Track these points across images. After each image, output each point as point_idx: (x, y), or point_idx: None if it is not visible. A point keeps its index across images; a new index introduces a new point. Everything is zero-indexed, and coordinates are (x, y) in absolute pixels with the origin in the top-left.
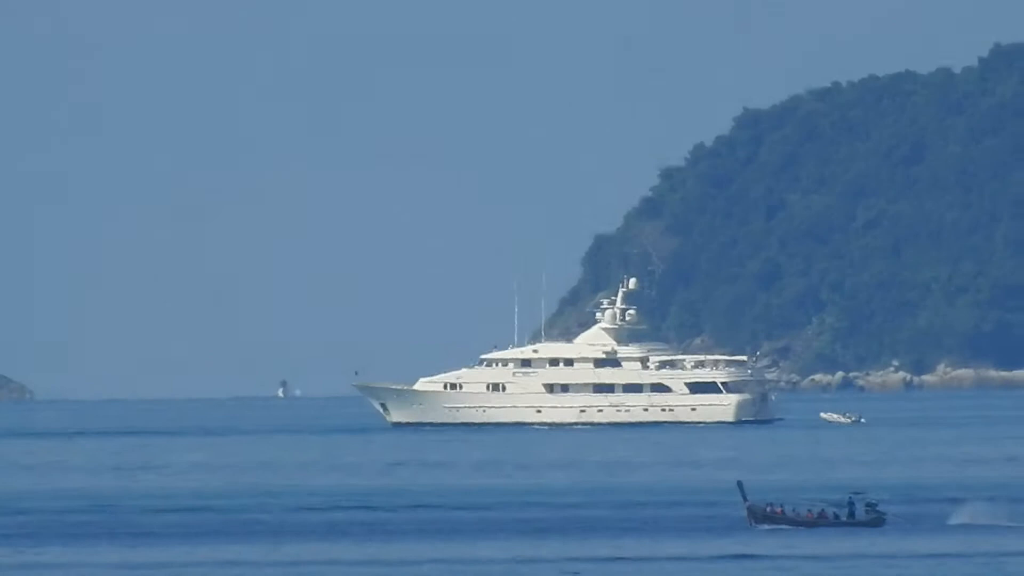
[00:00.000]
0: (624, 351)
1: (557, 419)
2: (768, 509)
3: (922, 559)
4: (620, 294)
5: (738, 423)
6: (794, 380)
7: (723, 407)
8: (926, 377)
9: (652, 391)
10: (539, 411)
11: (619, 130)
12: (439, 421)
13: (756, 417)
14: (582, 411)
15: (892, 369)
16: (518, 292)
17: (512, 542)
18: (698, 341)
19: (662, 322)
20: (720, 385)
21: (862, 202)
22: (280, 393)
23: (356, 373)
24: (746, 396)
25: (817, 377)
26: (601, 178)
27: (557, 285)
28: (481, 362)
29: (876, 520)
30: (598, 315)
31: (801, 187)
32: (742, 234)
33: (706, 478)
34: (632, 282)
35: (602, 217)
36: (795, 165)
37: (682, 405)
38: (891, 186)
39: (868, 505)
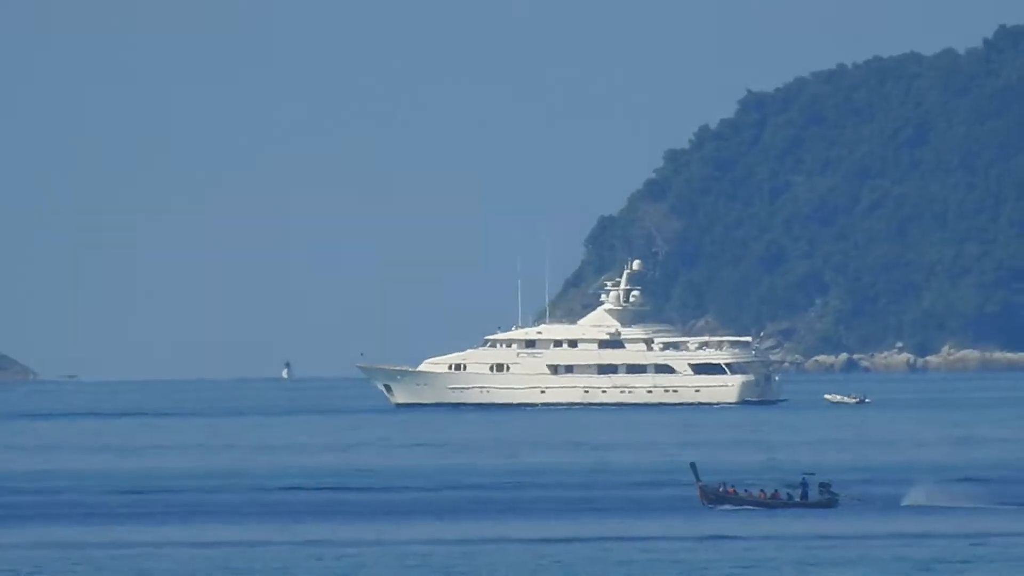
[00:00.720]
0: (628, 332)
1: (561, 400)
2: (721, 490)
3: (873, 540)
4: (624, 275)
5: (742, 404)
6: (798, 361)
7: (727, 388)
8: (930, 359)
9: (656, 372)
10: (543, 392)
11: (624, 112)
12: (443, 402)
13: (760, 398)
14: (586, 392)
15: (896, 351)
16: (522, 273)
17: (476, 522)
18: (702, 322)
19: (666, 303)
20: (724, 366)
21: (867, 184)
22: (284, 374)
23: (361, 355)
24: (750, 377)
25: (821, 358)
26: (605, 160)
27: (561, 266)
28: (485, 343)
29: (829, 501)
30: (602, 296)
31: (805, 169)
32: (746, 216)
33: (670, 458)
34: (636, 264)
35: (606, 199)
36: (800, 147)
37: (686, 386)
38: (896, 168)
39: (821, 486)
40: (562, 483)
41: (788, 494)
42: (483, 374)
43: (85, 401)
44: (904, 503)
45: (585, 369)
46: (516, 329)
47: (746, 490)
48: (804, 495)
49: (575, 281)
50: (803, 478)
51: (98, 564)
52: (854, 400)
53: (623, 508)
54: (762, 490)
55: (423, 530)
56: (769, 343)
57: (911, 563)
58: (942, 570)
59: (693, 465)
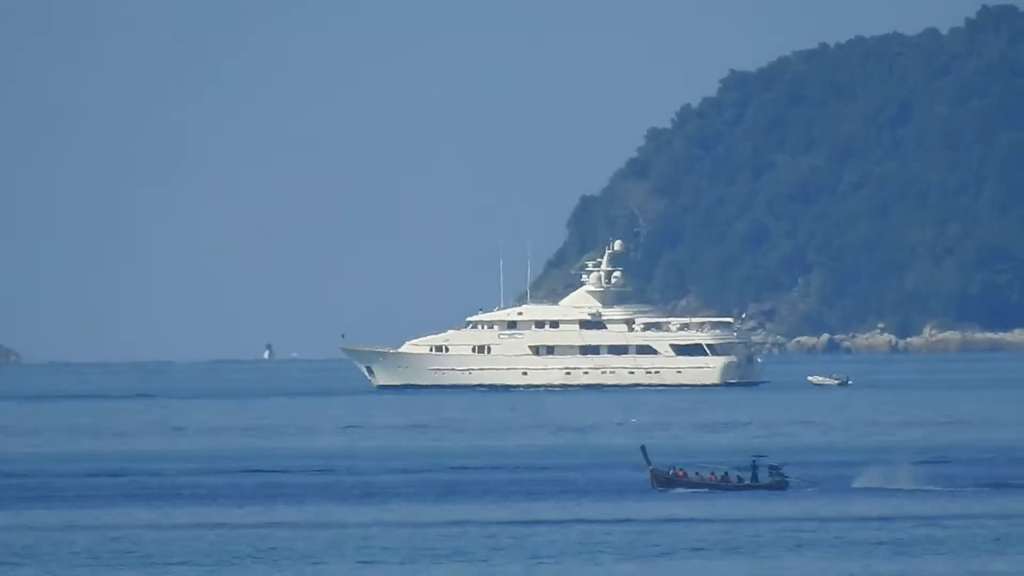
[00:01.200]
0: (609, 313)
1: (543, 381)
2: (671, 472)
3: (821, 522)
4: (606, 256)
5: (724, 385)
6: (780, 342)
7: (708, 369)
8: (912, 339)
9: (637, 353)
10: (524, 373)
11: (605, 91)
12: (425, 383)
13: (742, 379)
14: (567, 373)
15: (878, 331)
16: (504, 254)
17: (421, 504)
18: (684, 303)
19: (648, 284)
20: (705, 347)
21: (849, 164)
22: (265, 356)
23: (343, 336)
24: (732, 358)
25: (803, 339)
26: (587, 139)
27: (543, 247)
28: (467, 324)
29: (779, 484)
30: (584, 277)
31: (788, 148)
32: (729, 195)
33: (627, 440)
34: (618, 244)
35: (587, 178)
36: (782, 127)
37: (667, 367)
38: (878, 147)
39: (771, 468)
40: (520, 465)
41: (738, 477)
42: (465, 355)
43: (60, 384)
44: (855, 485)
45: (567, 350)
46: (498, 310)
47: (697, 473)
48: (754, 477)
49: (557, 262)
50: (753, 460)
51: (84, 546)
52: (836, 382)
53: (572, 491)
54: (712, 473)
55: (373, 513)
56: (751, 324)
57: (856, 545)
58: (885, 552)
59: (643, 448)
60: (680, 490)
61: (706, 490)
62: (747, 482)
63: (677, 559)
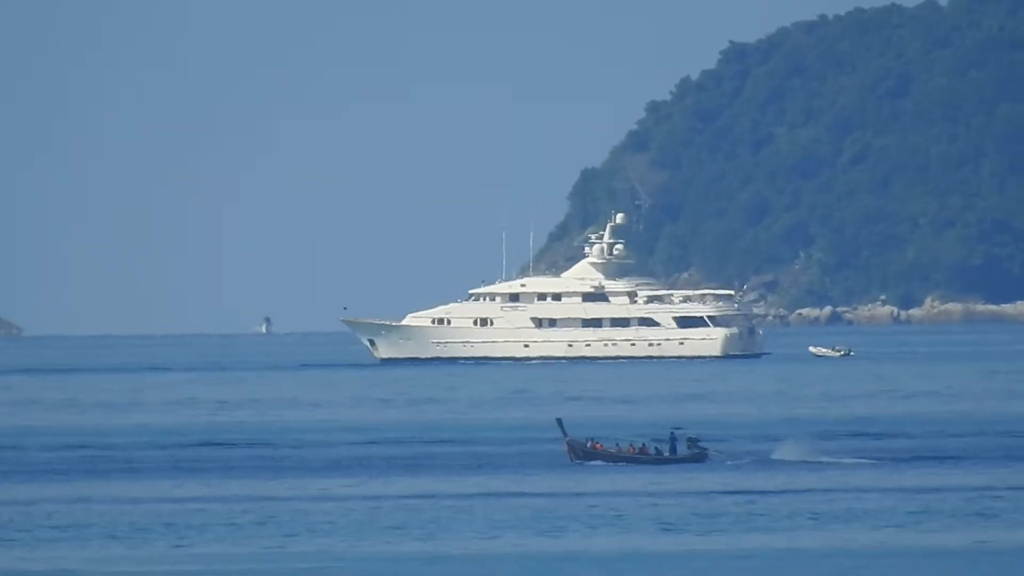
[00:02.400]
0: (612, 286)
1: (545, 353)
2: (588, 445)
3: (733, 495)
4: (608, 228)
5: (725, 357)
6: (782, 314)
7: (710, 341)
8: (914, 311)
9: (640, 325)
10: (527, 346)
11: (605, 64)
12: (427, 356)
13: (743, 351)
14: (570, 345)
15: (880, 303)
16: (506, 227)
17: (350, 478)
18: (686, 275)
19: (650, 256)
20: (707, 319)
21: (849, 136)
22: (263, 329)
23: (345, 309)
24: (733, 330)
25: (805, 311)
26: (587, 112)
27: (545, 219)
28: (469, 297)
29: (697, 456)
30: (586, 249)
31: (788, 121)
32: (729, 168)
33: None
34: (620, 216)
35: (588, 151)
36: (782, 99)
37: (669, 339)
38: (877, 119)
39: (690, 440)
40: (456, 439)
41: (656, 449)
42: (467, 328)
43: (59, 357)
44: (773, 456)
45: (569, 322)
46: (500, 283)
47: (616, 445)
48: (672, 450)
49: (559, 234)
50: (672, 432)
51: (100, 515)
52: (839, 353)
53: (492, 465)
54: (631, 444)
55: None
56: (752, 296)
57: (766, 516)
58: (794, 524)
59: (560, 421)
60: (597, 462)
61: (623, 463)
62: (665, 454)
63: (586, 532)
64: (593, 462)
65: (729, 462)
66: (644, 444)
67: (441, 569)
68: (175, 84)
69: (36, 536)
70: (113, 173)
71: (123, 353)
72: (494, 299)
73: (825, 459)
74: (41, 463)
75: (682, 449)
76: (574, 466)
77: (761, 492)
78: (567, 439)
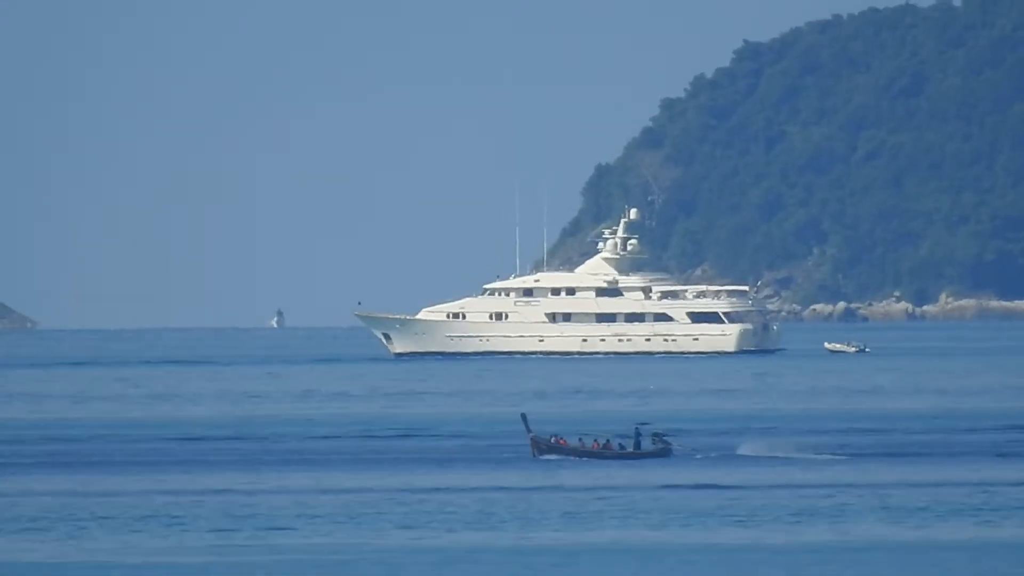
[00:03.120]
0: (626, 281)
1: (559, 349)
2: (552, 440)
3: (697, 490)
4: (622, 224)
5: (739, 353)
6: (795, 310)
7: (724, 337)
8: (928, 307)
9: (654, 321)
10: (541, 341)
11: (620, 61)
12: (441, 351)
13: (758, 347)
14: (584, 341)
15: (894, 299)
16: (520, 222)
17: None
18: (699, 271)
19: (663, 252)
20: (721, 315)
21: (862, 134)
22: (274, 323)
23: (359, 303)
24: (748, 326)
25: (818, 307)
26: (601, 108)
27: (559, 215)
28: (484, 292)
29: (662, 451)
30: (600, 245)
31: (801, 119)
32: (743, 164)
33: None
34: (634, 212)
35: (602, 147)
36: (795, 97)
37: (684, 335)
38: (891, 118)
39: (655, 436)
40: (408, 433)
41: (620, 444)
42: (481, 323)
43: (71, 350)
44: (739, 452)
45: (583, 318)
46: (514, 278)
47: (580, 439)
48: (637, 445)
49: (573, 230)
50: (636, 428)
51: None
52: (854, 349)
53: (455, 459)
54: (595, 440)
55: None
56: (766, 292)
57: (730, 513)
58: (756, 521)
59: (524, 416)
60: (560, 458)
61: (587, 458)
62: (629, 450)
63: (548, 527)
64: (556, 457)
65: (698, 456)
66: (608, 440)
67: (393, 561)
68: (189, 81)
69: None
70: (126, 168)
71: (154, 346)
72: (508, 294)
73: (792, 454)
74: (149, 452)
75: (646, 444)
76: (537, 461)
77: (723, 487)
78: (531, 435)
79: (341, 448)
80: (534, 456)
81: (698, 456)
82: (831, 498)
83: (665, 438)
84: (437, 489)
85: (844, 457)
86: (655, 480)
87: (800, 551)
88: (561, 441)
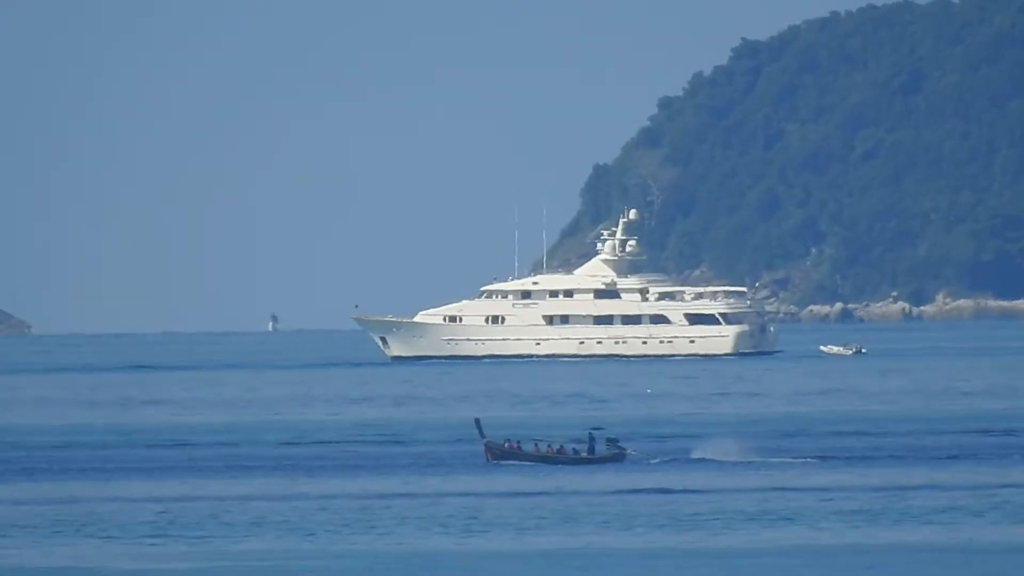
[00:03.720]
0: (624, 282)
1: (557, 351)
2: (506, 445)
3: (649, 494)
4: (620, 225)
5: (737, 355)
6: (793, 311)
7: (722, 339)
8: (925, 308)
9: (651, 323)
10: (538, 343)
11: (618, 60)
12: (439, 354)
13: (755, 349)
14: (581, 343)
15: (891, 300)
16: (518, 224)
17: (267, 479)
18: (697, 272)
19: (661, 253)
20: (719, 316)
21: (860, 132)
22: (270, 327)
23: (356, 306)
24: (745, 327)
25: (816, 308)
26: (599, 108)
27: (557, 216)
28: (481, 294)
29: (616, 456)
30: (598, 246)
31: (799, 117)
32: (741, 164)
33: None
34: (633, 213)
35: (600, 148)
36: (793, 95)
37: (681, 337)
38: (889, 116)
39: (608, 440)
40: (374, 439)
41: (574, 449)
42: (479, 326)
43: (70, 356)
44: (693, 456)
45: (581, 320)
46: (512, 280)
47: (535, 445)
48: (591, 450)
49: (571, 231)
50: (590, 433)
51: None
52: (850, 351)
53: (411, 465)
54: (549, 445)
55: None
56: (764, 293)
57: (678, 517)
58: (700, 524)
59: (478, 421)
60: (514, 463)
61: (541, 463)
62: (583, 454)
63: (502, 532)
64: (510, 462)
65: (653, 461)
66: (562, 445)
67: (343, 567)
68: (183, 84)
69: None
70: (120, 172)
71: (155, 351)
72: (506, 296)
73: (746, 458)
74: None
75: (600, 449)
76: (490, 466)
77: (669, 491)
78: (485, 440)
79: (290, 455)
80: (488, 461)
81: (653, 461)
82: (770, 501)
83: (619, 443)
84: (383, 495)
85: (798, 460)
86: (604, 485)
87: (736, 555)
88: (515, 446)
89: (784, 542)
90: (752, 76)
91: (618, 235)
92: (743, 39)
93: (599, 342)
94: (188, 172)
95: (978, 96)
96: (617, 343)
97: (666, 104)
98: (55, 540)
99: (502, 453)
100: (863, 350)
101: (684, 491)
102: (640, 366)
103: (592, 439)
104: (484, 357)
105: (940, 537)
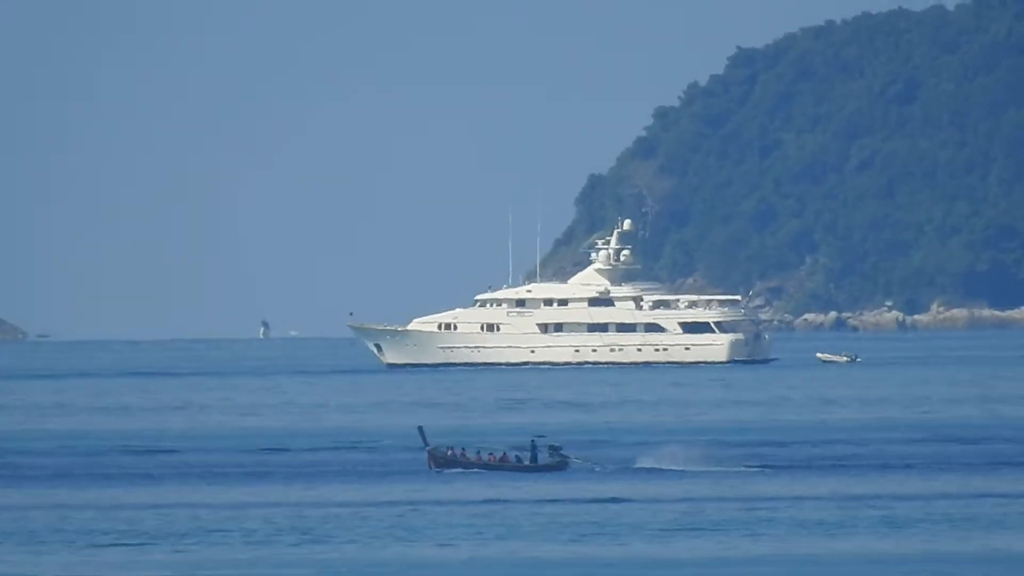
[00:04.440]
0: (618, 291)
1: (551, 359)
2: (449, 453)
3: (590, 504)
4: (615, 234)
5: (732, 362)
6: (787, 320)
7: (716, 347)
8: (919, 317)
9: (646, 331)
10: (533, 351)
11: (613, 69)
12: (433, 362)
13: (750, 357)
14: (576, 351)
15: (886, 309)
16: (512, 232)
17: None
18: (691, 281)
19: (656, 262)
20: (713, 325)
21: (856, 142)
22: (261, 334)
23: (351, 314)
24: (739, 336)
25: (810, 317)
26: (594, 118)
27: (551, 225)
28: (476, 302)
29: (559, 464)
30: (593, 255)
31: (795, 126)
32: (736, 174)
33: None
34: (627, 223)
35: (595, 157)
36: (789, 104)
37: (675, 345)
38: (885, 125)
39: (551, 448)
40: (317, 447)
41: (517, 457)
42: (473, 333)
43: (63, 361)
44: (637, 465)
45: (575, 328)
46: (507, 288)
47: (477, 453)
48: (534, 458)
49: (565, 240)
50: (532, 441)
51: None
52: (845, 359)
53: (354, 473)
54: (491, 453)
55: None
56: (758, 301)
57: (619, 525)
58: (633, 533)
59: (421, 429)
60: (458, 470)
61: (484, 471)
62: (526, 463)
63: (441, 540)
64: (453, 470)
65: (596, 469)
66: (505, 452)
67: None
68: (178, 89)
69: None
70: (114, 175)
71: (150, 357)
72: (500, 304)
73: (692, 467)
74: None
75: (543, 457)
76: (433, 474)
77: (606, 500)
78: (428, 448)
79: (226, 462)
80: (431, 469)
81: (596, 469)
82: (706, 512)
83: (562, 451)
84: (318, 504)
85: (744, 469)
86: (544, 493)
87: (671, 565)
88: (458, 453)
89: (709, 552)
90: (748, 85)
91: (612, 244)
92: (739, 48)
93: (594, 350)
94: (182, 178)
95: (974, 105)
96: (612, 351)
97: (662, 114)
98: None
99: (445, 461)
100: (858, 358)
101: (621, 500)
102: (630, 373)
103: (535, 447)
104: (479, 365)
105: (885, 546)
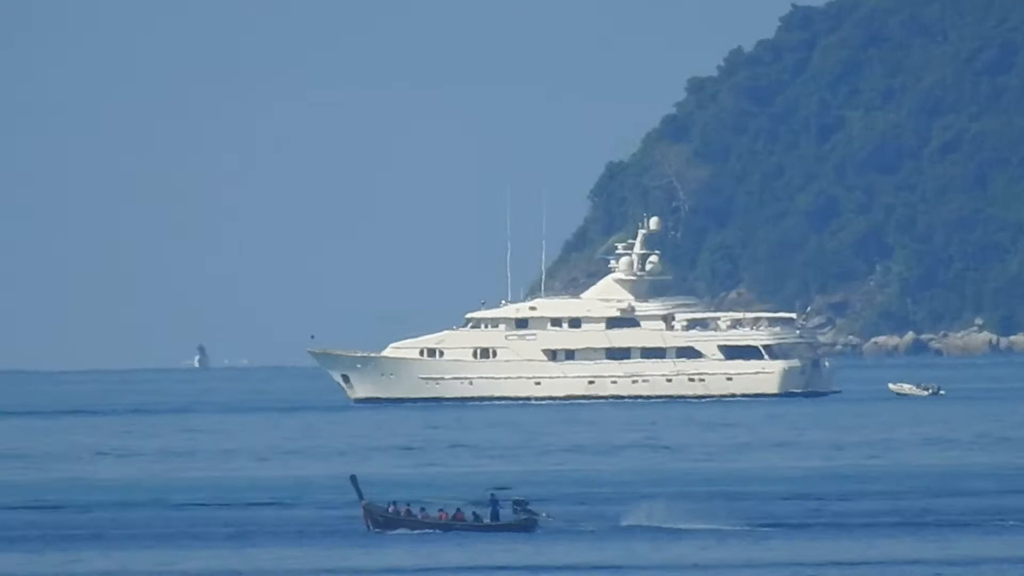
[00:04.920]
0: (643, 308)
1: (560, 392)
2: (391, 509)
3: (562, 572)
4: (639, 236)
5: (785, 395)
6: (853, 343)
7: (765, 376)
8: (1016, 338)
9: (678, 357)
10: (538, 383)
11: (637, 32)
12: (414, 396)
13: (807, 388)
14: (591, 382)
15: (975, 329)
16: (512, 234)
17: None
18: (734, 295)
19: (690, 271)
20: (762, 349)
21: (938, 121)
22: (196, 363)
23: (312, 337)
24: (794, 363)
25: (882, 339)
26: (614, 92)
27: (560, 226)
28: (466, 322)
29: (525, 522)
30: (611, 263)
31: (863, 102)
32: (789, 162)
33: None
34: (654, 222)
35: (614, 141)
36: (855, 75)
37: (715, 374)
38: (974, 100)
39: (516, 503)
40: (240, 502)
41: (475, 514)
42: (463, 361)
43: None
44: (625, 523)
45: (590, 354)
46: (505, 305)
47: (423, 509)
48: (494, 515)
49: (577, 244)
50: (492, 495)
51: None
52: (926, 391)
53: (271, 533)
54: (442, 510)
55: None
56: (817, 320)
57: None
58: None
59: (354, 479)
60: (401, 531)
61: (433, 531)
62: (486, 521)
63: None
64: (396, 531)
65: (563, 527)
66: (459, 508)
67: None
68: (109, 94)
69: None
70: (38, 197)
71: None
72: (497, 325)
73: (687, 524)
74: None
75: (506, 514)
76: (371, 536)
77: (587, 567)
78: (363, 502)
79: (130, 520)
80: (368, 529)
81: (566, 524)
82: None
83: (528, 506)
84: (220, 572)
85: (744, 528)
86: (504, 559)
87: None
88: (403, 510)
89: None
90: (804, 52)
91: (636, 249)
92: (793, 5)
93: (613, 381)
94: (132, 182)
95: None
96: (635, 382)
97: (696, 87)
98: None
99: (385, 520)
100: (941, 391)
101: (601, 568)
102: (657, 409)
103: (495, 502)
104: (471, 400)
105: None
